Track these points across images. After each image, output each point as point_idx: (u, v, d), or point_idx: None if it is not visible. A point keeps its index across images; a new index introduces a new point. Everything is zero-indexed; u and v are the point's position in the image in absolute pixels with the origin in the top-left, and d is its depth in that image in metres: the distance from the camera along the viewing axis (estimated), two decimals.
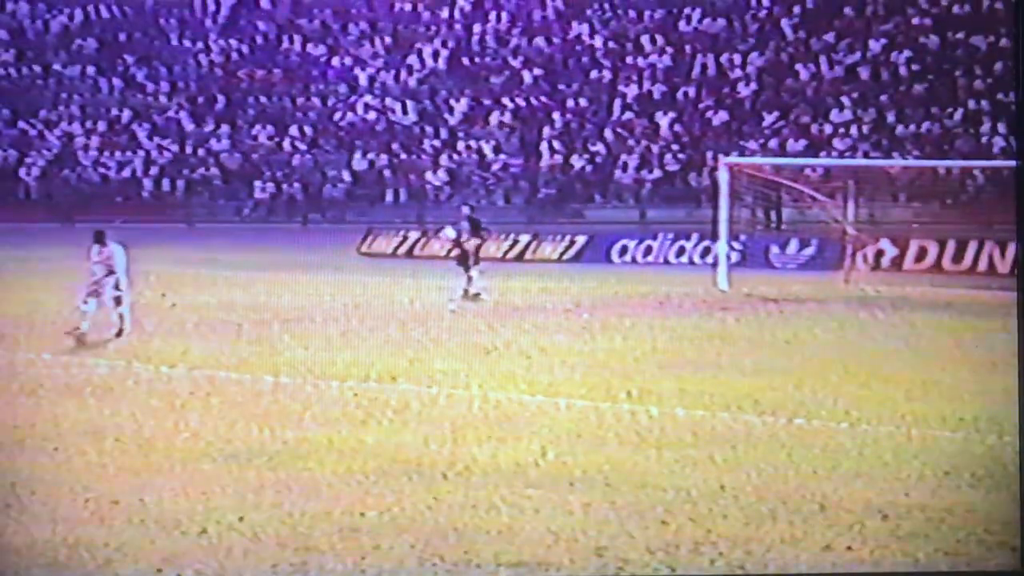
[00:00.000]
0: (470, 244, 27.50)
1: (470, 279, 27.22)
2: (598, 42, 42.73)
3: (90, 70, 43.30)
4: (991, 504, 14.48)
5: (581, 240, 34.89)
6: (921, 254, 31.18)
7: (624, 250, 34.30)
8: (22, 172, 41.33)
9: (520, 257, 34.52)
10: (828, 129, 39.42)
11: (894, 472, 15.35)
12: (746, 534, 13.73)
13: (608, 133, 40.90)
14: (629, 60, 42.19)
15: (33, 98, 42.80)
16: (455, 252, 27.66)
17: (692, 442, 16.44)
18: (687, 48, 41.99)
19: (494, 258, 32.68)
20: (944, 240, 31.24)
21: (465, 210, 28.62)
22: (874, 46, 40.72)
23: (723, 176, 30.43)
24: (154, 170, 41.46)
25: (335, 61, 43.26)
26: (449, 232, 28.02)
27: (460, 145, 41.25)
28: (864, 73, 40.45)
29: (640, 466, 15.55)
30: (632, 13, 43.07)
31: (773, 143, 39.18)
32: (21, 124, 42.26)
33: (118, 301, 22.81)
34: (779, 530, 13.81)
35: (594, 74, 42.16)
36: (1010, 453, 15.56)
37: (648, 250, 34.09)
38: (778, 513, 14.20)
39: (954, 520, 14.04)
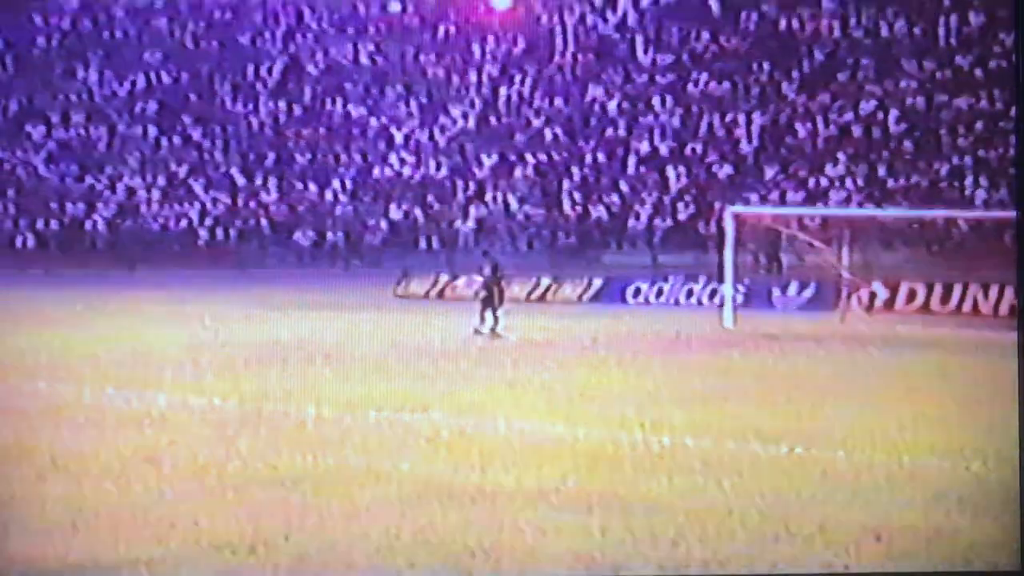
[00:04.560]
0: (496, 286, 27.47)
1: (497, 319, 27.16)
2: (613, 103, 42.77)
3: (151, 130, 43.49)
4: (977, 526, 14.34)
5: (598, 282, 34.82)
6: (911, 296, 31.03)
7: (638, 292, 34.21)
8: (88, 224, 41.47)
9: (542, 298, 34.47)
10: (824, 182, 39.34)
11: (887, 497, 15.20)
12: (751, 554, 13.60)
13: (623, 185, 40.88)
14: (641, 119, 42.22)
15: (100, 155, 43.02)
16: (483, 294, 27.59)
17: (701, 469, 16.31)
18: (694, 108, 42.01)
19: (518, 299, 32.68)
20: (932, 283, 31.09)
21: (486, 258, 28.60)
22: (865, 107, 40.67)
23: (729, 224, 30.37)
24: (209, 220, 41.58)
25: (374, 121, 43.39)
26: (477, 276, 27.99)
27: (487, 196, 41.28)
28: (857, 131, 40.39)
29: (653, 491, 15.43)
30: (644, 77, 43.11)
31: (774, 194, 39.11)
32: (89, 179, 42.44)
33: None
34: (781, 551, 13.68)
35: (609, 132, 42.19)
36: (994, 479, 15.41)
37: (660, 292, 34.00)
38: (781, 535, 14.07)
39: (942, 540, 13.90)
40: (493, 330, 27.00)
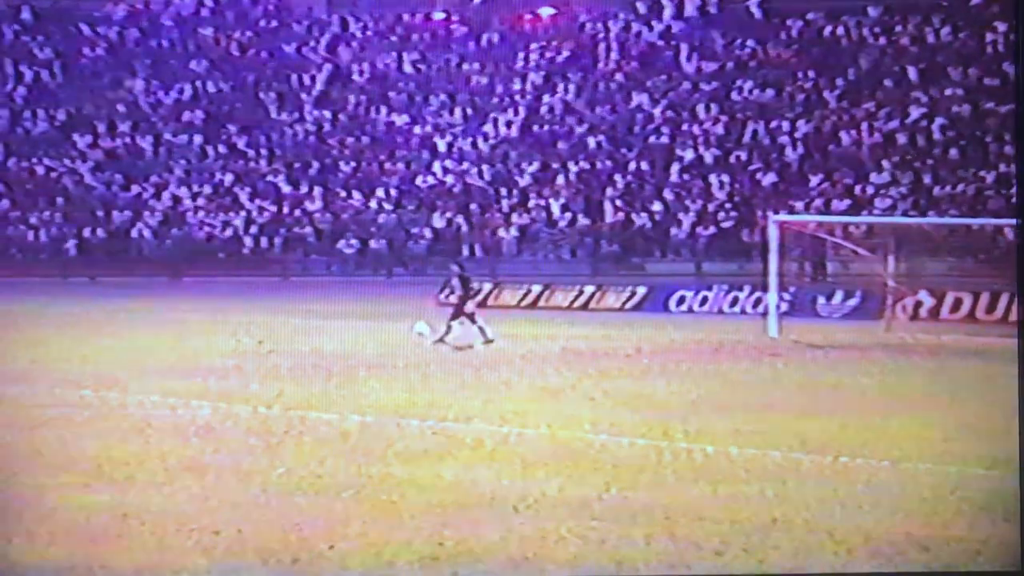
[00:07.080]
0: (465, 300, 27.17)
1: (481, 329, 26.87)
2: (657, 111, 42.68)
3: (197, 139, 43.71)
4: None
5: (642, 291, 34.72)
6: (956, 305, 30.81)
7: (681, 300, 34.10)
8: (134, 232, 41.71)
9: (585, 306, 34.40)
10: (870, 190, 39.13)
11: (933, 507, 15.10)
12: (795, 563, 13.54)
13: (666, 193, 40.79)
14: (685, 127, 42.11)
15: (146, 164, 43.25)
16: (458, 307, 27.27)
17: (745, 478, 16.26)
18: (739, 116, 41.87)
19: (561, 307, 32.63)
20: (978, 292, 30.85)
21: (455, 268, 28.37)
22: (911, 114, 40.43)
23: (773, 232, 30.24)
24: (254, 229, 41.73)
25: (417, 129, 43.46)
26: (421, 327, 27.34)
27: (530, 204, 41.27)
28: (902, 139, 40.15)
29: (697, 500, 15.38)
30: (688, 84, 43.01)
31: (819, 202, 38.92)
32: (135, 188, 42.69)
33: None
34: (826, 560, 13.61)
35: (653, 139, 42.11)
36: None
37: (704, 300, 33.88)
38: (825, 545, 14.00)
39: (989, 552, 13.79)
40: (485, 338, 26.66)
